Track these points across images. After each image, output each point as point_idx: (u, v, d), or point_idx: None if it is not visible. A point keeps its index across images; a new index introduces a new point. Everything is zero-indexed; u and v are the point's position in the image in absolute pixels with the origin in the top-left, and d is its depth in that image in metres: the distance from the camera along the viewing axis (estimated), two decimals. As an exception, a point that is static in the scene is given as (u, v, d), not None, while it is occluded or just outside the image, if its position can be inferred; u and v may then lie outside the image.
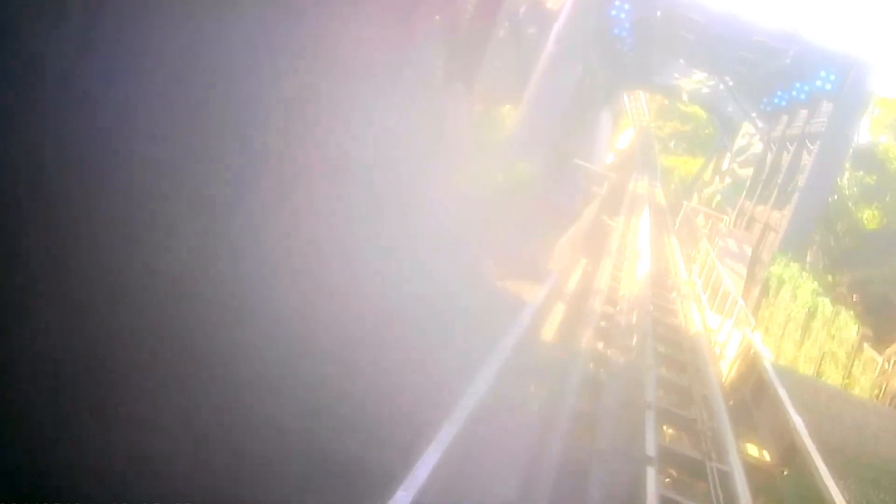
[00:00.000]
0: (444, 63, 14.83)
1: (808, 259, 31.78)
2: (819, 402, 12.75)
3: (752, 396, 14.01)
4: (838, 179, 36.34)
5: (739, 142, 57.31)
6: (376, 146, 10.60)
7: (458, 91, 14.18)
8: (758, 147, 51.79)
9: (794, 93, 36.21)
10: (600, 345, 12.13)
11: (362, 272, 9.11)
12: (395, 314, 8.79)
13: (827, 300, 22.68)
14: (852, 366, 19.33)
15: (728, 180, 57.14)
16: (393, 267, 9.74)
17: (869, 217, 37.24)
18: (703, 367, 13.36)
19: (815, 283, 25.08)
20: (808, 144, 33.64)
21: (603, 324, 14.14)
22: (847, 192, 38.72)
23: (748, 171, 51.01)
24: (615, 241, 24.20)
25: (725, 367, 17.61)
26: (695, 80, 57.58)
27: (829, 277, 31.65)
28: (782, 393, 11.44)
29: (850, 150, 33.80)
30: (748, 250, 35.63)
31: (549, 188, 31.55)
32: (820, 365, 21.43)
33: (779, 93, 38.84)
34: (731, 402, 14.45)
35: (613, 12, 31.96)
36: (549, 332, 11.83)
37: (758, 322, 24.99)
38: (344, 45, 10.04)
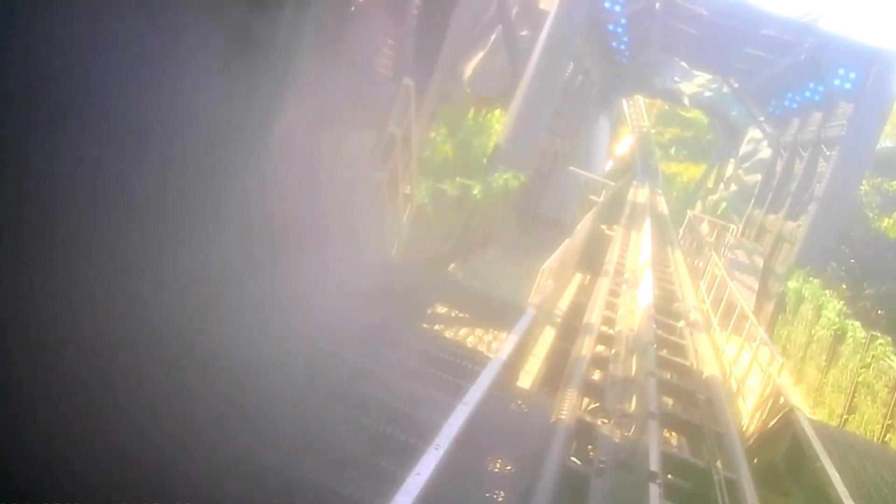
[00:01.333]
0: (392, 54, 11.89)
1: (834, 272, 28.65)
2: (881, 479, 9.72)
3: (787, 465, 10.99)
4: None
5: (745, 147, 54.72)
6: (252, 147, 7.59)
7: (406, 89, 11.19)
8: (765, 153, 49.18)
9: (807, 94, 33.29)
10: (587, 414, 9.05)
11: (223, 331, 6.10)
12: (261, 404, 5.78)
13: (858, 324, 19.65)
14: (896, 404, 16.29)
15: (734, 187, 54.45)
16: (277, 327, 6.70)
17: (890, 226, 34.20)
18: (724, 432, 10.32)
19: (841, 302, 22.06)
20: (825, 150, 30.69)
21: (593, 377, 11.10)
22: (865, 200, 35.77)
23: (755, 178, 48.36)
24: (612, 259, 21.18)
25: (745, 402, 14.72)
26: (696, 84, 54.93)
27: (843, 286, 28.46)
28: (838, 485, 8.40)
29: (872, 157, 30.73)
30: (759, 262, 32.73)
31: (539, 199, 28.62)
32: (852, 397, 18.44)
33: (789, 94, 35.98)
34: (755, 461, 11.49)
35: (607, 4, 29.00)
36: (516, 397, 8.80)
37: (774, 341, 22.00)
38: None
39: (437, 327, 8.93)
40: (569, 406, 8.65)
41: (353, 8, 9.95)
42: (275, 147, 8.26)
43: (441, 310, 9.75)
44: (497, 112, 34.70)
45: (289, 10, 8.01)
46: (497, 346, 8.96)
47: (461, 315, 9.66)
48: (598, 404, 10.00)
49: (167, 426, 5.22)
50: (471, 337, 8.97)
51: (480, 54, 37.98)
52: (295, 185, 9.14)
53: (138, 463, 4.92)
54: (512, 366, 8.78)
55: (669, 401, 11.58)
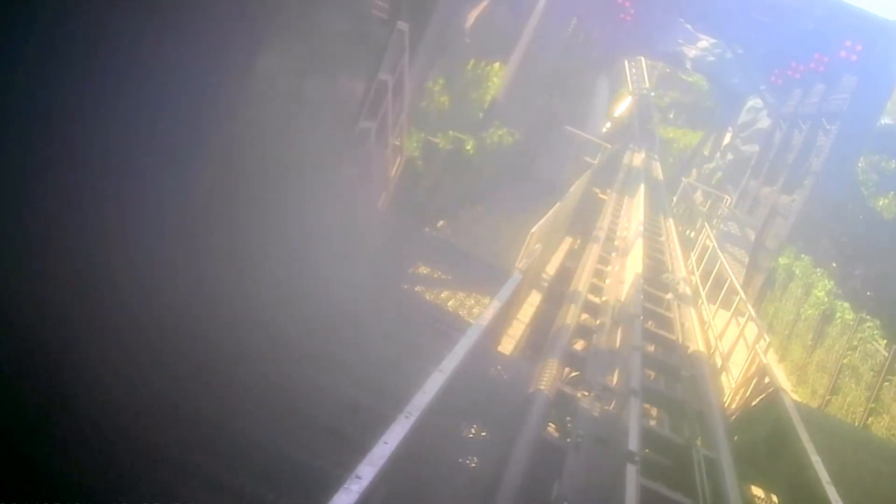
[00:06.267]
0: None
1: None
2: (862, 464, 9.52)
3: (768, 446, 10.76)
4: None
5: (744, 116, 54.01)
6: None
7: (401, 34, 10.61)
8: (764, 123, 48.55)
9: (811, 65, 32.66)
10: (567, 387, 8.73)
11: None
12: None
13: (847, 305, 19.41)
14: (880, 388, 16.11)
15: (730, 157, 53.89)
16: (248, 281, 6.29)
17: (885, 205, 33.77)
18: (706, 412, 10.07)
19: (832, 282, 21.80)
20: (825, 124, 30.16)
21: (576, 348, 10.79)
22: (861, 177, 35.26)
23: (753, 149, 47.79)
24: (604, 225, 20.79)
25: (729, 378, 14.50)
26: (700, 47, 53.83)
27: (833, 264, 28.18)
28: (820, 469, 8.16)
29: (874, 132, 30.24)
30: (751, 235, 32.44)
31: (533, 157, 28.11)
32: (837, 378, 18.28)
33: (793, 64, 35.27)
34: (735, 438, 11.28)
35: (615, -40, 28.19)
36: (493, 366, 8.49)
37: (761, 317, 21.76)
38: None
39: (417, 288, 8.54)
40: (548, 378, 8.33)
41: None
42: (255, 89, 7.76)
43: (423, 270, 9.36)
44: (496, 65, 33.86)
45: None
46: (479, 311, 8.59)
47: (444, 277, 9.28)
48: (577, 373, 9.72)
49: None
50: (452, 301, 8.60)
51: (483, 3, 36.96)
52: (276, 129, 8.66)
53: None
54: (491, 330, 8.41)
55: (651, 380, 11.31)
